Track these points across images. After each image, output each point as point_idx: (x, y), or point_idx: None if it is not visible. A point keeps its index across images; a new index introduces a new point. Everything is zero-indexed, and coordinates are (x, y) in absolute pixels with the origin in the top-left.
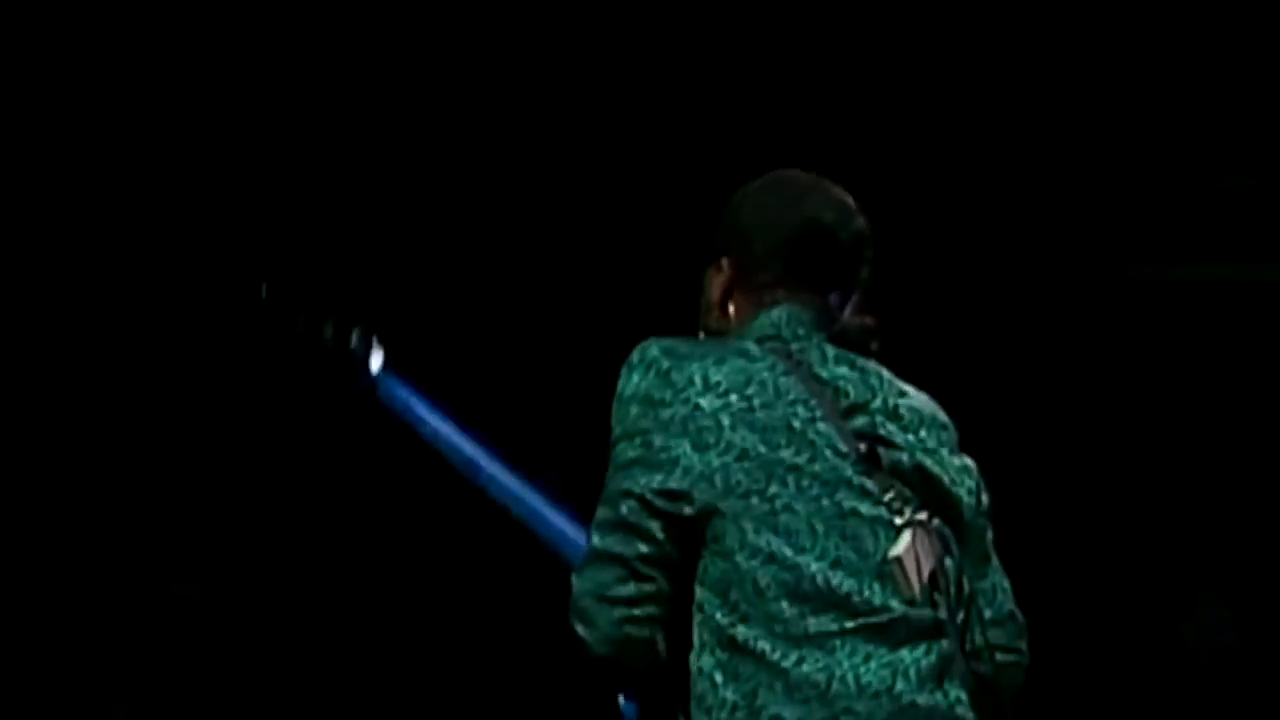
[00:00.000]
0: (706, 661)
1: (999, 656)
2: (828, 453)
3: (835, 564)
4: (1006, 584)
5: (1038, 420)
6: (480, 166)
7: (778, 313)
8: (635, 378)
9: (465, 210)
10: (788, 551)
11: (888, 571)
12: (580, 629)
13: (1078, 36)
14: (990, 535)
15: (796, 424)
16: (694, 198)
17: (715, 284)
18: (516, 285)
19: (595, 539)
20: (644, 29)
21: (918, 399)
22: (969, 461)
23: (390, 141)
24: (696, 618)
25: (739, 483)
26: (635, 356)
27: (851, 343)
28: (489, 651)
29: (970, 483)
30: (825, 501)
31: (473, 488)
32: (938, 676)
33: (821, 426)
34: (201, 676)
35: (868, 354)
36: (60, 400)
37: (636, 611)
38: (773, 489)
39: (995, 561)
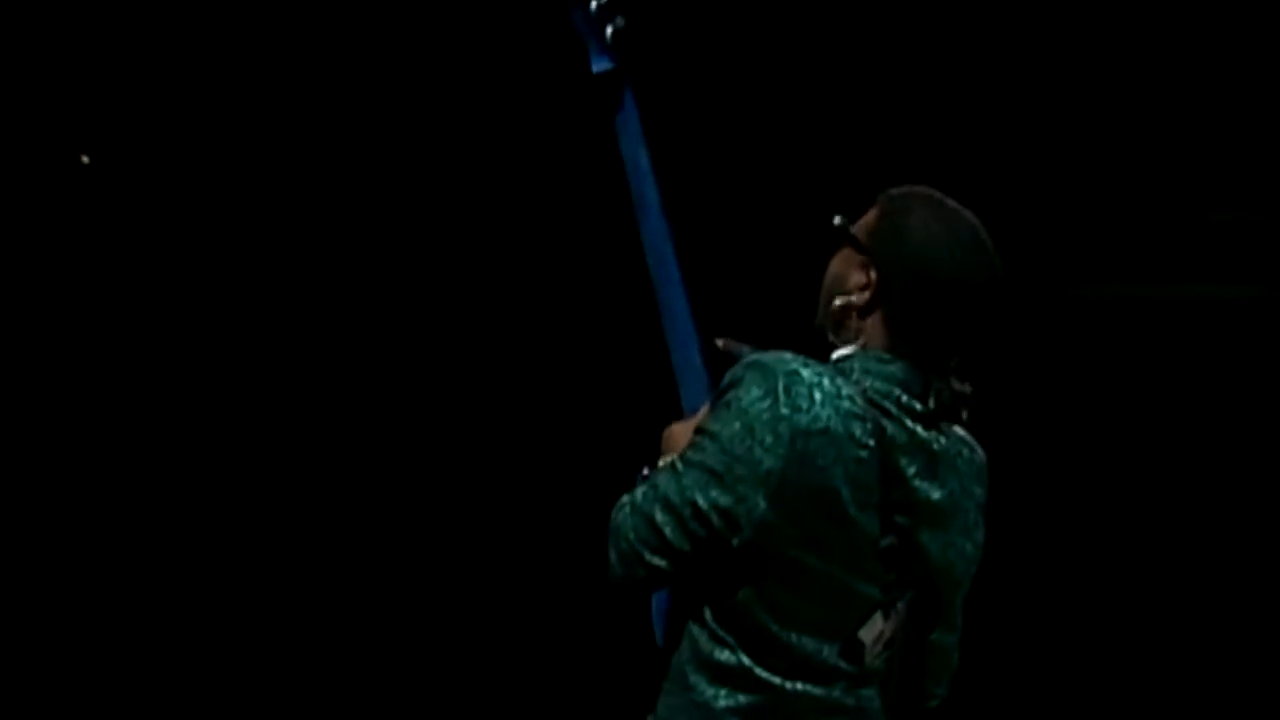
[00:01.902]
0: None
1: (931, 703)
2: (861, 539)
3: (817, 629)
4: (957, 638)
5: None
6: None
7: (900, 370)
8: (756, 393)
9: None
10: (787, 602)
11: (853, 643)
12: (612, 555)
13: (1020, 65)
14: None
15: (852, 511)
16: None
17: (858, 288)
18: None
19: (657, 510)
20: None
21: (967, 472)
22: (980, 537)
23: None
24: (696, 621)
25: (783, 540)
26: (771, 369)
27: (943, 409)
28: (489, 651)
29: (974, 568)
30: (839, 579)
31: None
32: (858, 700)
33: (868, 517)
34: (200, 676)
35: (956, 421)
36: (59, 399)
37: (654, 581)
38: (808, 558)
39: (959, 622)
